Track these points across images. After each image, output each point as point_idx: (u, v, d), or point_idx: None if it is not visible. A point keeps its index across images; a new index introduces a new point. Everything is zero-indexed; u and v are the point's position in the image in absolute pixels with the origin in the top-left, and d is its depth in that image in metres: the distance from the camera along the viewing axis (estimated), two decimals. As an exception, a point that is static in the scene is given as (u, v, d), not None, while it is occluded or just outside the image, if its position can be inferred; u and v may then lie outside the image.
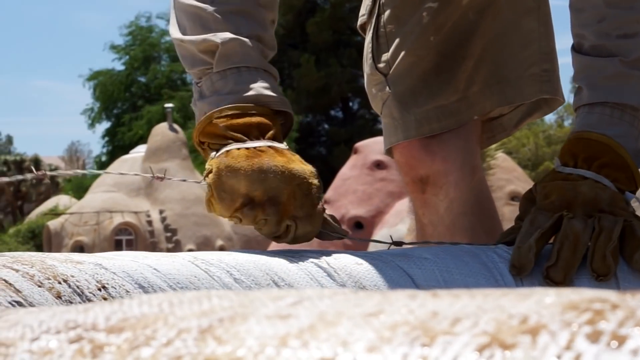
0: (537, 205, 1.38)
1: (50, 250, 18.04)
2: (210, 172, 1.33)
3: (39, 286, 0.95)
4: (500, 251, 1.35)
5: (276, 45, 1.50)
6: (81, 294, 0.99)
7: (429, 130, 1.66)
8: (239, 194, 1.31)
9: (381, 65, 1.71)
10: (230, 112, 1.38)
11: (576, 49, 1.51)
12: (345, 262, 1.26)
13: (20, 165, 32.71)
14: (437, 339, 0.34)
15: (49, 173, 1.33)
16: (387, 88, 1.69)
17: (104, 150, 33.06)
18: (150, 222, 19.10)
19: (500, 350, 0.32)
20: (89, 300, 0.99)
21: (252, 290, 0.49)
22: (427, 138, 1.67)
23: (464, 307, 0.36)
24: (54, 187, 31.33)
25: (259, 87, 1.41)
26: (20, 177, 1.29)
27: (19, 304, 0.89)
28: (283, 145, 1.37)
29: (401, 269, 1.27)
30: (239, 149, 1.34)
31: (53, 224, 19.81)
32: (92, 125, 33.05)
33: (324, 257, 1.26)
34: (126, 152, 23.13)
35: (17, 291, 0.91)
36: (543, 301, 0.36)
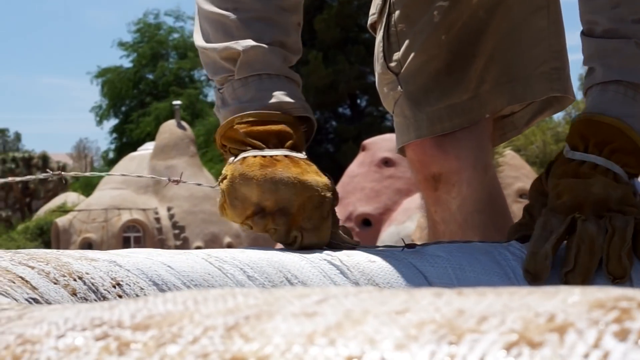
0: (549, 206, 1.38)
1: (58, 248, 18.05)
2: (225, 178, 1.34)
3: (55, 283, 0.95)
4: (513, 249, 1.35)
5: (301, 49, 1.50)
6: (96, 291, 0.99)
7: (441, 128, 1.66)
8: (250, 203, 1.31)
9: (393, 64, 1.71)
10: (251, 119, 1.38)
11: (587, 34, 1.49)
12: (358, 260, 1.26)
13: (28, 163, 32.78)
14: (465, 337, 0.34)
15: (65, 174, 1.34)
16: (399, 87, 1.70)
17: (112, 147, 33.14)
18: (158, 219, 19.11)
19: (528, 348, 0.33)
20: (104, 297, 0.99)
21: (270, 289, 0.49)
22: (440, 136, 1.67)
23: (490, 305, 0.36)
24: (62, 184, 31.37)
25: (280, 94, 1.41)
26: (40, 176, 1.29)
27: (36, 301, 0.89)
28: (301, 155, 1.37)
29: (414, 266, 1.27)
30: (255, 156, 1.34)
31: (61, 220, 19.84)
32: (100, 122, 33.12)
33: (337, 255, 1.27)
34: (134, 149, 23.16)
35: (34, 288, 0.91)
36: (569, 299, 0.36)
